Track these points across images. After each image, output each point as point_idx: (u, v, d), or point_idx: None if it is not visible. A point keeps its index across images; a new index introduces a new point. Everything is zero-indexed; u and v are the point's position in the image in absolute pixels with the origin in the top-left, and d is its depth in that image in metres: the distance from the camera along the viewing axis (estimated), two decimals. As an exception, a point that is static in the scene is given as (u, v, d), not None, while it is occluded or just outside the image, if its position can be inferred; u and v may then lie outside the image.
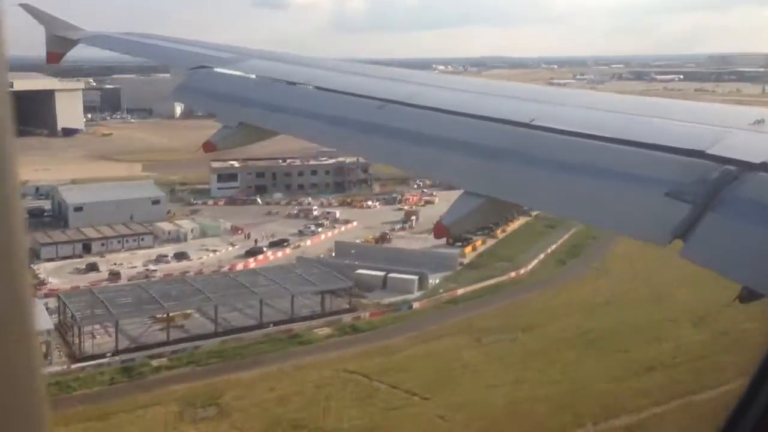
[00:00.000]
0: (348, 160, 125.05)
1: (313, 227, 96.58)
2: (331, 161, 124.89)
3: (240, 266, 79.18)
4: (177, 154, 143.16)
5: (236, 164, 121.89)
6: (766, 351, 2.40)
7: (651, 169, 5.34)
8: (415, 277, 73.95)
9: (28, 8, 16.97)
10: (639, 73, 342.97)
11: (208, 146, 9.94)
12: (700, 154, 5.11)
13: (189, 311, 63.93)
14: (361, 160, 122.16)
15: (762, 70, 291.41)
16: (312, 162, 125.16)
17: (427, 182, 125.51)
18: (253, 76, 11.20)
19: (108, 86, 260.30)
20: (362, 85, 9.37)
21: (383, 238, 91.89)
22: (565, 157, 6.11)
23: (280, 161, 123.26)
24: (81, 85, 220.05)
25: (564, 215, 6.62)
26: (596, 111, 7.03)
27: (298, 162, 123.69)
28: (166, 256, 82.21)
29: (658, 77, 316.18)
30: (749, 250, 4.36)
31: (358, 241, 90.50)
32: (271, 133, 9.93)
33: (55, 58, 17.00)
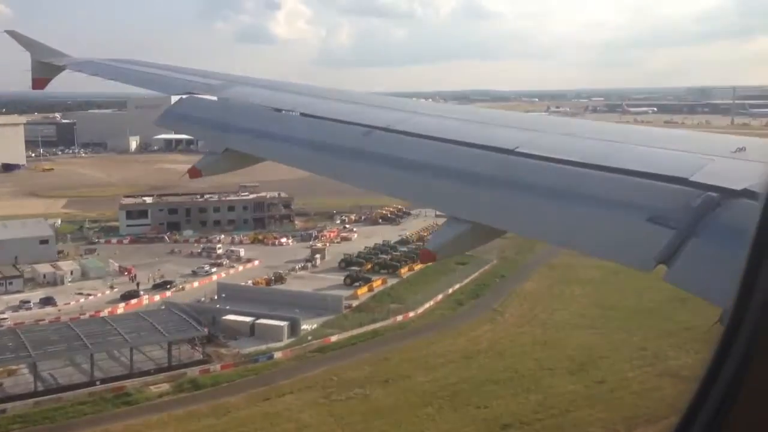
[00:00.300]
0: (269, 195, 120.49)
1: (207, 267, 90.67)
2: (252, 196, 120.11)
3: (106, 312, 73.25)
4: (109, 189, 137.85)
5: (149, 200, 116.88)
6: (714, 354, 2.36)
7: (634, 196, 5.46)
8: (285, 324, 68.14)
9: (13, 35, 17.06)
10: (612, 106, 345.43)
11: (194, 172, 9.81)
12: (683, 181, 5.21)
13: (15, 367, 58.00)
14: (283, 194, 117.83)
15: (734, 102, 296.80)
16: (232, 197, 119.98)
17: (352, 218, 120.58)
18: (240, 103, 11.13)
19: (64, 121, 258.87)
20: (348, 111, 9.43)
21: (278, 279, 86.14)
22: (549, 183, 6.19)
23: (198, 197, 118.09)
24: (23, 119, 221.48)
25: (548, 241, 6.56)
26: (580, 138, 7.08)
27: (215, 197, 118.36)
28: (29, 301, 76.24)
29: (631, 110, 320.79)
30: (731, 275, 3.71)
31: (249, 282, 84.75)
32: (256, 159, 9.89)
33: (41, 84, 16.88)
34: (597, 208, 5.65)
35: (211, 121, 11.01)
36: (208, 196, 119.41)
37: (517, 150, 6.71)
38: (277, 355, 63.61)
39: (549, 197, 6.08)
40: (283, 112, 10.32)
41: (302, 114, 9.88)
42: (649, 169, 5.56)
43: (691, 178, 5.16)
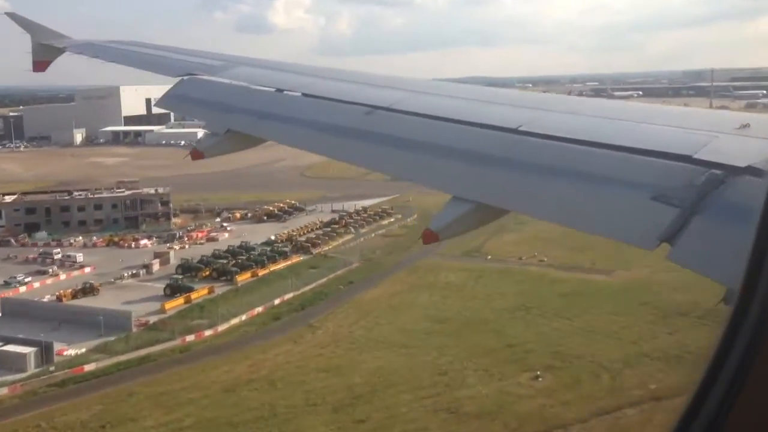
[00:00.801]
0: (146, 191, 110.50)
1: (21, 276, 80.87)
2: (127, 193, 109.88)
3: None
4: (12, 186, 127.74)
5: (8, 199, 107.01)
6: (714, 355, 2.34)
7: (638, 174, 5.37)
8: (31, 350, 58.37)
9: (13, 17, 17.11)
10: (598, 90, 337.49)
11: (196, 154, 9.61)
12: (686, 158, 5.15)
13: None
14: (161, 190, 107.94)
15: (711, 84, 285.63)
16: (104, 194, 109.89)
17: (237, 215, 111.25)
18: (242, 84, 10.89)
19: (12, 114, 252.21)
20: (350, 91, 9.31)
21: (88, 290, 76.00)
22: (552, 162, 6.08)
23: (66, 194, 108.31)
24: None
25: (552, 220, 6.20)
26: (583, 117, 7.04)
27: (83, 195, 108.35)
28: None
29: (616, 94, 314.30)
30: (735, 252, 3.95)
31: (52, 295, 74.68)
32: (259, 140, 9.67)
33: (41, 66, 16.81)
34: (601, 187, 5.58)
35: (212, 102, 10.75)
36: (77, 193, 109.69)
37: (521, 129, 6.65)
38: (2, 391, 53.43)
39: (552, 176, 5.97)
40: (285, 92, 10.07)
41: (304, 94, 9.69)
42: (653, 147, 5.50)
43: (695, 156, 5.11)
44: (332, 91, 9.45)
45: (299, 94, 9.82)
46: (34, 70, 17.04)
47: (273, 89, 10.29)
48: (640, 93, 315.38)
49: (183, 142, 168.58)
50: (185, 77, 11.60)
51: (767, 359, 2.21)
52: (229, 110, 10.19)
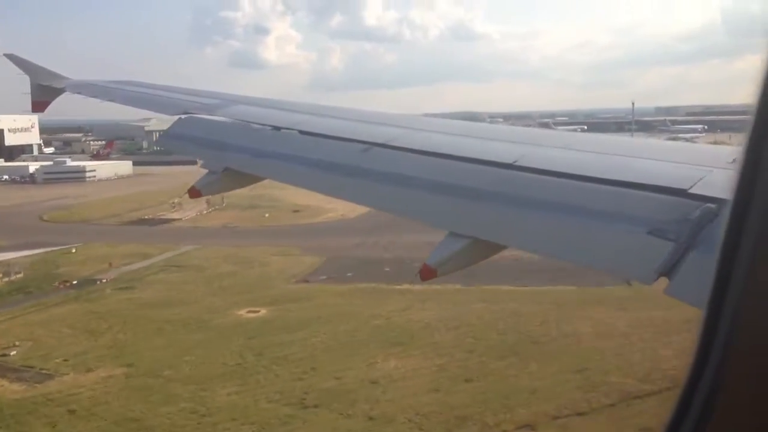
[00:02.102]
0: None
1: None
2: None
3: None
4: None
5: None
6: (695, 354, 2.43)
7: (634, 208, 5.46)
8: None
9: (12, 58, 17.36)
10: (546, 124, 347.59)
11: (194, 192, 9.86)
12: (681, 192, 5.24)
13: None
14: None
15: (661, 118, 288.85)
16: None
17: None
18: (238, 122, 11.11)
19: None
20: (346, 128, 9.48)
21: None
22: (548, 197, 6.21)
23: None
24: None
25: (548, 254, 6.36)
26: (578, 152, 7.10)
27: None
28: None
29: (557, 128, 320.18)
30: None
31: None
32: (256, 178, 9.97)
33: (40, 107, 17.20)
34: (597, 221, 5.67)
35: (209, 140, 10.96)
36: None
37: (516, 164, 6.80)
38: None
39: (548, 211, 6.10)
40: (282, 130, 10.27)
41: (301, 132, 9.92)
42: (649, 181, 5.60)
43: (690, 190, 5.23)
44: (329, 128, 9.61)
45: (296, 131, 9.98)
46: (33, 111, 17.49)
47: (270, 127, 10.47)
48: (585, 128, 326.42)
49: (5, 177, 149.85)
50: (182, 116, 11.84)
51: (735, 381, 2.32)
52: (226, 149, 10.38)
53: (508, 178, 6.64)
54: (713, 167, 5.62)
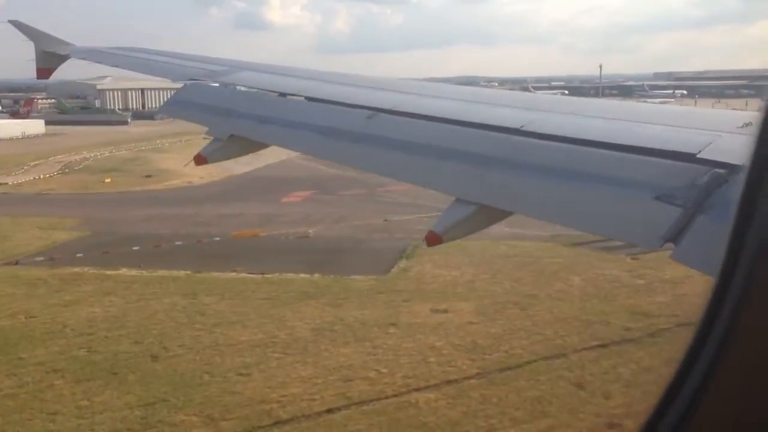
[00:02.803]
0: None
1: None
2: None
3: None
4: None
5: None
6: (691, 343, 2.39)
7: (641, 174, 5.40)
8: None
9: (17, 24, 17.14)
10: (525, 88, 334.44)
11: (199, 159, 9.87)
12: (689, 157, 5.18)
13: None
14: None
15: (653, 83, 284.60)
16: None
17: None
18: (244, 89, 11.18)
19: None
20: (352, 94, 9.44)
21: None
22: (555, 162, 6.15)
23: None
24: None
25: (555, 221, 6.29)
26: (585, 117, 7.11)
27: None
28: None
29: (537, 93, 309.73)
30: None
31: None
32: (262, 144, 9.96)
33: (45, 74, 17.03)
34: (603, 187, 5.61)
35: (215, 107, 10.89)
36: None
37: (523, 129, 6.73)
38: None
39: (555, 176, 6.04)
40: (288, 96, 10.31)
41: (307, 98, 9.92)
42: (656, 146, 5.56)
43: (699, 155, 5.16)
44: (335, 94, 9.61)
45: (302, 98, 10.02)
46: (38, 78, 17.39)
47: (276, 93, 10.50)
48: (566, 92, 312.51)
49: None
50: (188, 82, 11.84)
51: (736, 358, 2.27)
52: (232, 115, 10.34)
53: (515, 144, 6.61)
54: (722, 132, 5.57)
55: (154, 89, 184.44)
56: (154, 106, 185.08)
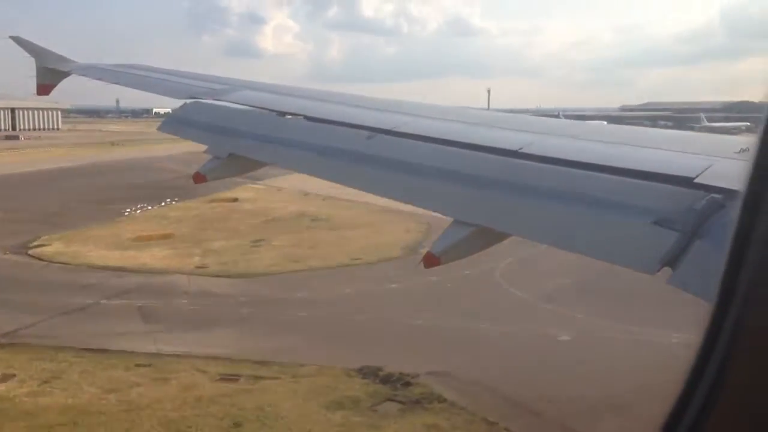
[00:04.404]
0: None
1: None
2: None
3: None
4: None
5: None
6: (701, 348, 2.39)
7: (639, 198, 5.39)
8: None
9: (17, 40, 17.15)
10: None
11: (198, 177, 9.78)
12: (687, 182, 5.17)
13: None
14: None
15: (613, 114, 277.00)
16: None
17: None
18: (244, 107, 11.06)
19: None
20: (351, 114, 9.44)
21: None
22: (553, 185, 6.12)
23: None
24: None
25: (552, 243, 6.19)
26: (584, 140, 7.10)
27: None
28: None
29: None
30: None
31: None
32: (261, 164, 9.98)
33: (45, 90, 16.96)
34: (601, 210, 5.61)
35: (214, 125, 10.81)
36: None
37: (521, 151, 6.73)
38: None
39: (553, 199, 6.02)
40: (288, 116, 10.31)
41: (306, 117, 9.88)
42: (654, 170, 5.55)
43: (696, 180, 5.16)
44: (334, 114, 9.59)
45: (301, 117, 9.97)
46: (38, 94, 17.32)
47: (275, 113, 10.46)
48: (604, 123, 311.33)
49: None
50: (188, 101, 11.79)
51: (737, 378, 2.29)
52: (232, 134, 10.27)
53: (513, 166, 6.60)
54: (720, 157, 5.58)
55: (26, 109, 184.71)
56: (24, 127, 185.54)
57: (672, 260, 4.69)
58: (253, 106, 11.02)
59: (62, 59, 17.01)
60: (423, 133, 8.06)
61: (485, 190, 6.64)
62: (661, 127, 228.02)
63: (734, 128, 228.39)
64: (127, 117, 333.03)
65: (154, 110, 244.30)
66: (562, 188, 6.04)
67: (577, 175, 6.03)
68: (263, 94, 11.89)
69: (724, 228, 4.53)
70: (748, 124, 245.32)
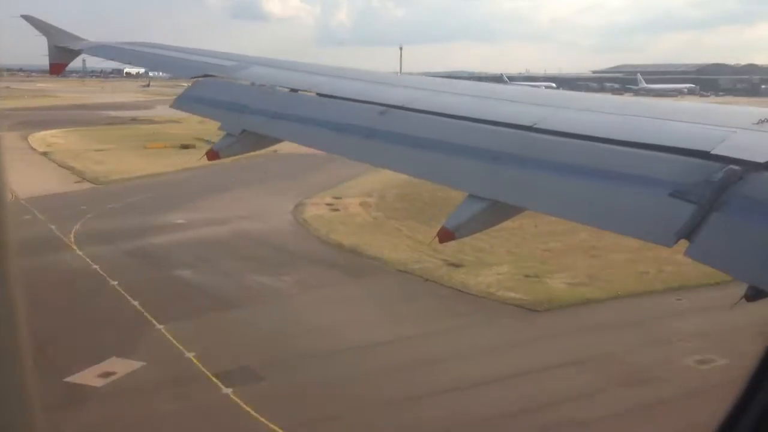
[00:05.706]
0: None
1: None
2: None
3: None
4: None
5: None
6: (764, 354, 2.48)
7: (655, 170, 5.34)
8: None
9: (29, 19, 17.28)
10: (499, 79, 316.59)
11: (212, 155, 9.84)
12: (704, 154, 5.14)
13: None
14: None
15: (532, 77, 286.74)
16: None
17: None
18: (256, 84, 11.11)
19: None
20: (364, 90, 9.43)
21: None
22: (567, 159, 6.10)
23: None
24: None
25: (568, 217, 6.11)
26: (598, 113, 7.02)
27: None
28: None
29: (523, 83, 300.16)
30: (755, 249, 4.33)
31: None
32: (274, 140, 9.93)
33: (58, 69, 17.06)
34: (617, 184, 5.55)
35: (227, 103, 10.90)
36: None
37: (536, 126, 6.70)
38: None
39: (568, 173, 5.99)
40: (300, 92, 10.31)
41: (318, 94, 9.91)
42: (670, 143, 5.49)
43: (713, 151, 5.11)
44: (346, 90, 9.61)
45: (313, 93, 10.03)
46: (51, 73, 17.43)
47: (287, 89, 10.51)
48: (553, 84, 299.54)
49: None
50: (200, 78, 11.87)
51: None
52: (244, 111, 10.33)
53: (528, 141, 6.57)
54: (737, 128, 5.52)
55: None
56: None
57: (688, 232, 4.63)
58: (265, 83, 11.02)
59: (73, 38, 17.09)
60: (436, 109, 8.04)
61: (500, 164, 6.59)
62: (608, 90, 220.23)
63: (673, 90, 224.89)
64: (97, 76, 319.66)
65: (125, 70, 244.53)
66: (576, 162, 5.99)
67: (592, 148, 6.00)
68: (274, 70, 11.89)
69: (742, 200, 4.52)
70: (691, 86, 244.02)
